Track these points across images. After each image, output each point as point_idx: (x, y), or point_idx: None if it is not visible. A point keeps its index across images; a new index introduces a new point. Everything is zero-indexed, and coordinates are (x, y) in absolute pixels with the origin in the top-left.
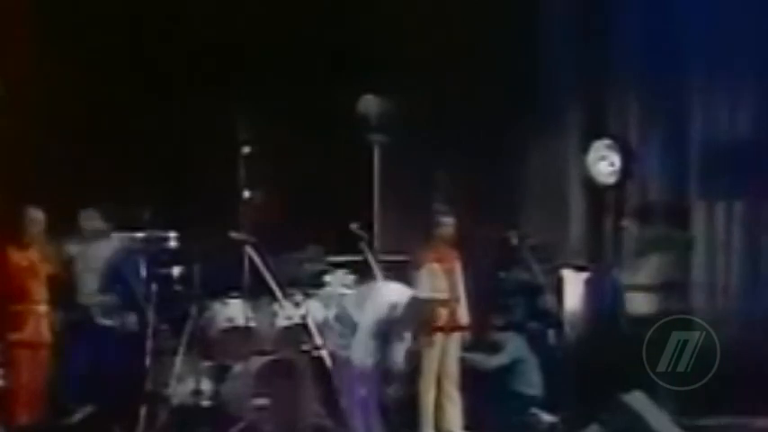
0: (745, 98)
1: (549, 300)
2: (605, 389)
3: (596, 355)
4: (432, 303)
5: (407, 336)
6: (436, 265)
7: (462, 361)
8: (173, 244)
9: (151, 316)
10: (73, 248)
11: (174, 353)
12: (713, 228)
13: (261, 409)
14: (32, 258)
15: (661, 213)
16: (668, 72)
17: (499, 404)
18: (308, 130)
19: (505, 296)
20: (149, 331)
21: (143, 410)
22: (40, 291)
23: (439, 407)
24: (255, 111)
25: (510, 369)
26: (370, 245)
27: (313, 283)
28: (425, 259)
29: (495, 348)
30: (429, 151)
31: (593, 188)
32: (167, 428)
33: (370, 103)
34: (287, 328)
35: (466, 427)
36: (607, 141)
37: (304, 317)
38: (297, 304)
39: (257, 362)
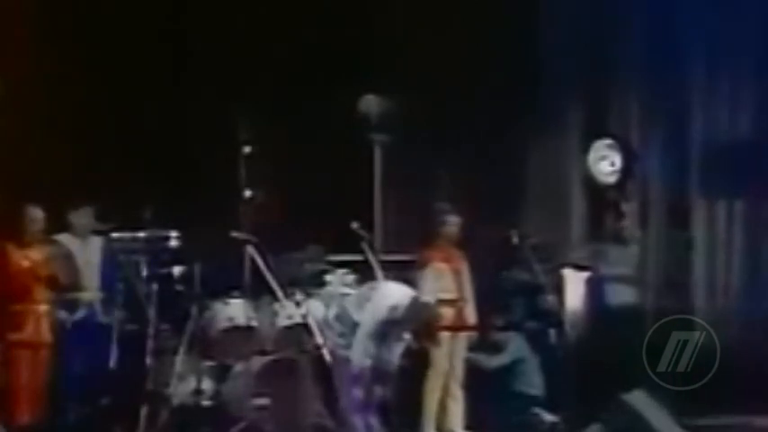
0: (746, 98)
1: (549, 299)
2: (606, 388)
3: (597, 355)
4: (433, 304)
5: (407, 336)
6: (443, 265)
7: (464, 361)
8: (173, 243)
9: (152, 315)
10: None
11: (175, 352)
12: (713, 227)
13: (262, 408)
14: (32, 258)
15: (661, 213)
16: (669, 72)
17: (500, 404)
18: (309, 130)
19: (506, 296)
20: (150, 331)
21: (144, 410)
22: (40, 291)
23: (442, 406)
24: (255, 111)
25: (511, 369)
26: (371, 244)
27: (314, 283)
28: (430, 259)
29: (496, 348)
30: (430, 151)
31: (593, 188)
32: (168, 428)
33: (370, 103)
34: (288, 328)
35: (467, 426)
36: (608, 141)
37: (305, 316)
38: (298, 304)
39: (258, 361)
